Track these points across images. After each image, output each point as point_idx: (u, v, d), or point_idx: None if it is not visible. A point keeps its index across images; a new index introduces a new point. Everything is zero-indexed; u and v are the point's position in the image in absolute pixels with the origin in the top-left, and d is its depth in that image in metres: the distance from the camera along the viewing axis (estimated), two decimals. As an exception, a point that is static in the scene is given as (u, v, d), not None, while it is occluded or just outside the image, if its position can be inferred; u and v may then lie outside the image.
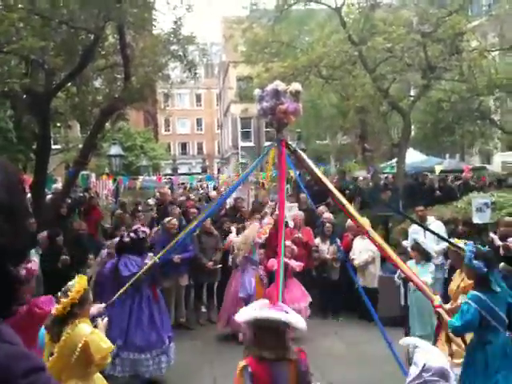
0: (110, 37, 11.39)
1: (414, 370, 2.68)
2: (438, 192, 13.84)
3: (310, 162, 5.12)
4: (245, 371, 3.08)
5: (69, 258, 7.08)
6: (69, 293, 3.80)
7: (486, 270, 4.26)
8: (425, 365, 2.64)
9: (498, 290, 4.30)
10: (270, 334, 3.05)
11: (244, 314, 3.17)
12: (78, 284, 3.89)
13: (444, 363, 2.68)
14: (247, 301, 7.08)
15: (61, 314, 3.77)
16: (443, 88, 16.65)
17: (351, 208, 5.27)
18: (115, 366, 5.97)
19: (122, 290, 5.32)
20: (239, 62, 20.66)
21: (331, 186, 5.03)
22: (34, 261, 5.09)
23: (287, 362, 3.07)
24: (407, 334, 6.72)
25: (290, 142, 5.04)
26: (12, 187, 1.20)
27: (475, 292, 4.33)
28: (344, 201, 4.93)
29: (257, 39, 16.89)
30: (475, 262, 4.29)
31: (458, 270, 5.75)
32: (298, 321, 3.12)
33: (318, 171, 5.13)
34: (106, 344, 3.79)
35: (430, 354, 2.73)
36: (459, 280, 5.53)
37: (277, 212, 8.07)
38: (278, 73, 14.14)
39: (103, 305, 4.86)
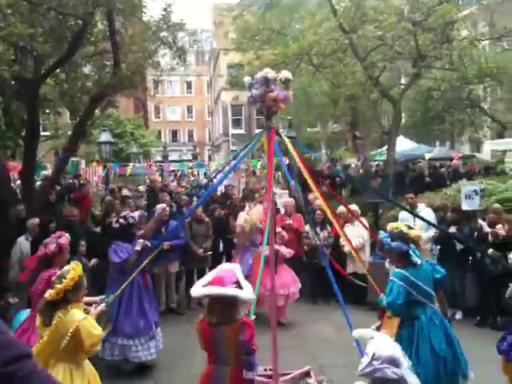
0: (99, 23, 11.28)
1: (365, 360, 2.75)
2: (427, 179, 13.92)
3: (294, 152, 5.17)
4: (199, 326, 3.70)
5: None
6: (63, 279, 3.81)
7: (404, 247, 4.49)
8: (374, 354, 2.71)
9: (419, 261, 4.51)
10: (218, 304, 3.54)
11: (196, 290, 3.61)
12: (74, 271, 3.90)
13: (394, 351, 2.74)
14: None
15: (54, 299, 3.78)
16: (433, 76, 16.71)
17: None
18: (105, 350, 6.02)
19: (127, 281, 5.31)
20: (230, 49, 20.55)
21: (309, 179, 5.12)
22: (66, 236, 5.08)
23: (228, 328, 3.55)
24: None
25: (280, 130, 5.06)
26: None
27: (398, 269, 4.53)
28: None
29: (247, 26, 16.82)
30: (393, 243, 4.52)
31: None
32: (246, 294, 3.53)
33: (298, 161, 5.20)
34: (98, 330, 3.81)
35: (380, 343, 2.80)
36: None
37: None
38: (269, 60, 14.10)
39: (98, 298, 4.89)
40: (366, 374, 2.73)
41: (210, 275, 3.77)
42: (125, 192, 11.93)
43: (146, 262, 5.53)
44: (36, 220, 7.50)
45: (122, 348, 6.09)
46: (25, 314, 4.75)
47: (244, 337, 3.56)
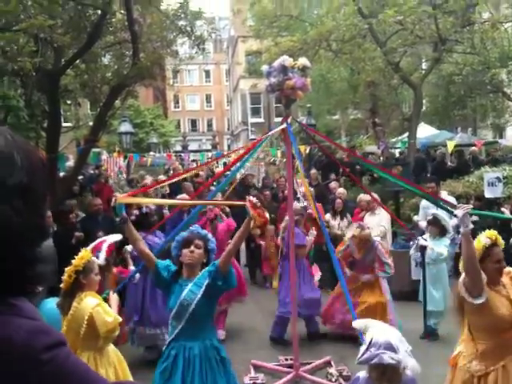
0: (118, 13, 11.31)
1: (363, 348, 2.75)
2: (450, 164, 13.75)
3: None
4: None
5: (83, 235, 7.16)
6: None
7: None
8: (372, 340, 2.71)
9: None
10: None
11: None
12: (84, 252, 3.99)
13: (391, 337, 2.73)
14: None
15: (69, 286, 3.85)
16: (455, 61, 16.41)
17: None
18: (133, 341, 6.26)
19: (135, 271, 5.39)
20: (248, 36, 20.44)
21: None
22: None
23: None
24: (425, 309, 6.76)
25: (300, 118, 5.04)
26: (32, 169, 1.21)
27: None
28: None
29: (265, 13, 16.70)
30: None
31: None
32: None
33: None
34: (111, 317, 3.81)
35: (377, 330, 2.79)
36: None
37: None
38: (287, 47, 14.00)
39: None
40: (364, 360, 2.74)
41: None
42: (148, 181, 12.02)
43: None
44: (48, 212, 7.53)
45: (150, 337, 6.22)
46: (49, 303, 4.82)
47: None
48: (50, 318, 3.83)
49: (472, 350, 3.44)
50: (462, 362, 3.47)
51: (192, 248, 3.75)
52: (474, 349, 3.42)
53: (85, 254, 3.99)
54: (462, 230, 3.33)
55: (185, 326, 3.70)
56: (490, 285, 3.37)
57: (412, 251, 7.01)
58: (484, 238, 3.45)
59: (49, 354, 1.17)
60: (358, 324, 3.15)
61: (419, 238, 6.71)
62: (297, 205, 9.43)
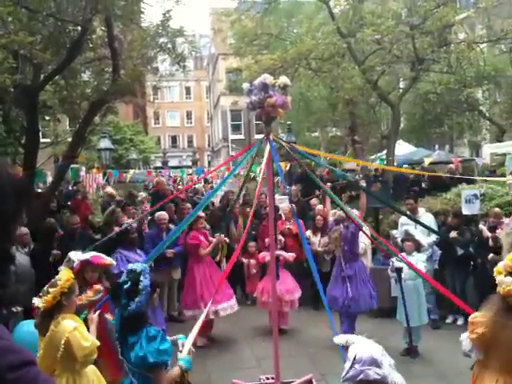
0: (98, 29, 11.29)
1: (347, 365, 2.74)
2: (423, 185, 13.98)
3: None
4: None
5: (60, 253, 7.04)
6: (57, 285, 3.80)
7: None
8: (356, 356, 2.70)
9: None
10: None
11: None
12: (66, 272, 3.91)
13: (374, 352, 2.73)
14: None
15: (50, 306, 3.75)
16: (431, 80, 16.72)
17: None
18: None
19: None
20: (228, 54, 20.59)
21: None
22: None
23: None
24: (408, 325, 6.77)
25: (280, 135, 5.06)
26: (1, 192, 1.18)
27: None
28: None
29: (245, 31, 16.85)
30: None
31: None
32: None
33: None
34: (88, 342, 3.72)
35: (360, 346, 2.78)
36: None
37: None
38: (268, 65, 14.13)
39: None
40: (349, 378, 2.72)
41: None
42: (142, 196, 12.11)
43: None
44: (25, 230, 7.36)
45: None
46: (27, 324, 4.68)
47: None
48: (26, 341, 3.74)
49: None
50: None
51: None
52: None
53: (68, 274, 3.89)
54: None
55: None
56: None
57: (389, 271, 7.04)
58: None
59: (15, 373, 1.14)
60: (339, 340, 3.13)
61: (393, 260, 6.74)
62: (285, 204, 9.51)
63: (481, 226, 7.80)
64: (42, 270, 6.56)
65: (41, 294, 3.83)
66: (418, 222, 6.51)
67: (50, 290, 3.77)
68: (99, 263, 4.74)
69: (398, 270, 6.63)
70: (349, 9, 14.72)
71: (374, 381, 2.63)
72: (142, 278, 3.35)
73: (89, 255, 4.72)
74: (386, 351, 2.78)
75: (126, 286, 3.34)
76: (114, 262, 4.97)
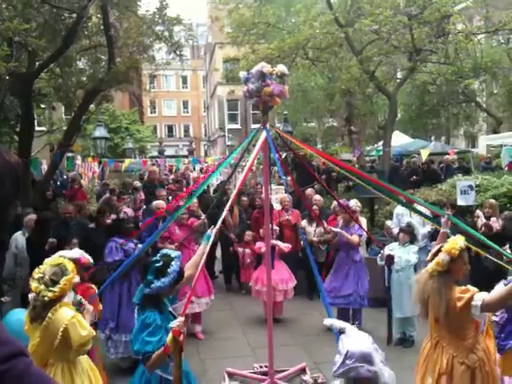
0: (94, 17, 11.20)
1: (337, 359, 2.72)
2: (414, 177, 14.01)
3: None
4: None
5: (56, 241, 7.03)
6: (64, 276, 3.72)
7: None
8: (348, 352, 2.68)
9: None
10: None
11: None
12: (71, 265, 3.85)
13: (366, 347, 2.71)
14: None
15: (59, 296, 3.70)
16: (429, 71, 16.68)
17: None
18: (108, 349, 6.07)
19: (110, 279, 5.27)
20: (225, 43, 20.44)
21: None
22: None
23: None
24: (389, 316, 6.82)
25: (276, 125, 5.05)
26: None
27: None
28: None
29: (243, 20, 16.73)
30: None
31: None
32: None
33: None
34: (85, 331, 3.70)
35: (353, 340, 2.76)
36: None
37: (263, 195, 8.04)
38: (265, 54, 14.05)
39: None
40: (340, 374, 2.70)
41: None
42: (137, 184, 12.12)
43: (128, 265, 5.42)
44: (33, 216, 7.45)
45: (126, 344, 6.05)
46: (17, 313, 4.63)
47: None
48: (16, 330, 3.70)
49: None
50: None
51: None
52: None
53: (73, 266, 3.85)
54: None
55: None
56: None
57: (378, 260, 7.05)
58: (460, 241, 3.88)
59: (6, 364, 1.13)
60: (329, 322, 3.11)
61: (384, 248, 6.76)
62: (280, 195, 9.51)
63: (478, 211, 7.81)
64: (37, 258, 6.54)
65: (42, 283, 3.73)
66: (414, 209, 6.50)
67: (59, 279, 3.68)
68: (85, 262, 4.68)
69: (390, 258, 6.66)
70: (347, -2, 14.63)
71: (365, 378, 2.62)
72: (173, 262, 3.55)
73: (78, 254, 4.67)
74: (379, 341, 2.77)
75: (157, 265, 3.51)
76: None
